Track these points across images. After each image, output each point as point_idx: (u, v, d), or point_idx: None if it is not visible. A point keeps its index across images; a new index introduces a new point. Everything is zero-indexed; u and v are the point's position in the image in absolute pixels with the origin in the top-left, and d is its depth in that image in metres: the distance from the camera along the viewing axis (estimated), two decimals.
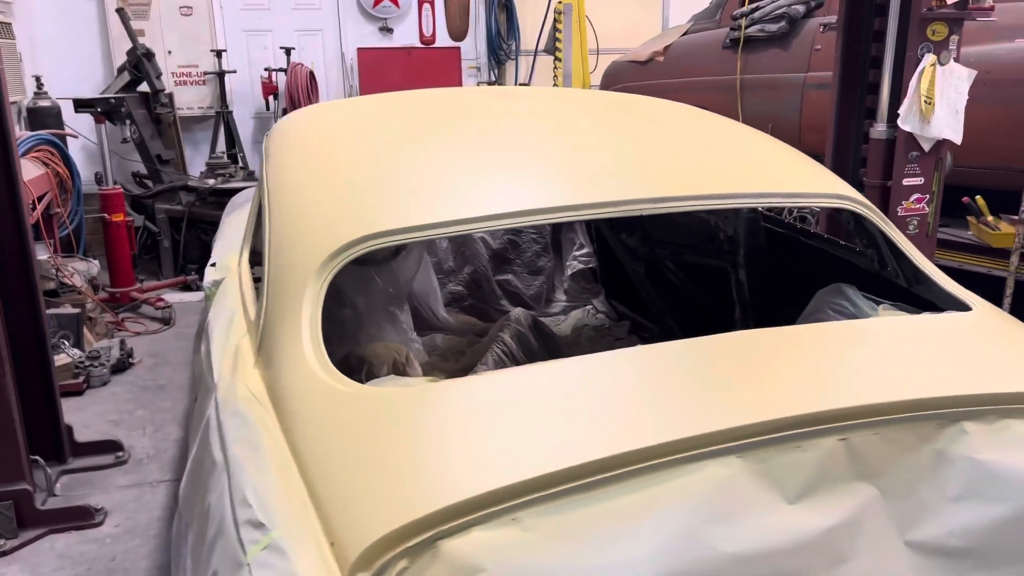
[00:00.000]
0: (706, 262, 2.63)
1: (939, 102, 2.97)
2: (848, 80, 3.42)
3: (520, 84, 7.68)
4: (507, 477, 0.98)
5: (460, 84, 7.39)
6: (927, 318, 1.53)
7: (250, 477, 1.13)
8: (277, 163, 1.86)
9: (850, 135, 3.48)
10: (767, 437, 1.04)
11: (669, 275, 2.87)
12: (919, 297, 1.77)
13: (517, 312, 2.70)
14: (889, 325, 1.51)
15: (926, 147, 3.09)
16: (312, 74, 6.84)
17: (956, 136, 3.07)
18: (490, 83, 7.64)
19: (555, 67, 6.53)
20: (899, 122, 3.05)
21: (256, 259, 2.31)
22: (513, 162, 1.72)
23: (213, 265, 2.27)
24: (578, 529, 0.95)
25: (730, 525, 0.98)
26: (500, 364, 2.34)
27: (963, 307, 1.57)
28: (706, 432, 1.03)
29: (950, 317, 1.53)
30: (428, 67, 7.20)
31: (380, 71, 7.09)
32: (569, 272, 3.69)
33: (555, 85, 6.68)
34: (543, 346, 2.57)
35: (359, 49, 7.14)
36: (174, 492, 2.88)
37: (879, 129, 3.25)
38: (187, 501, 1.42)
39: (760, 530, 0.99)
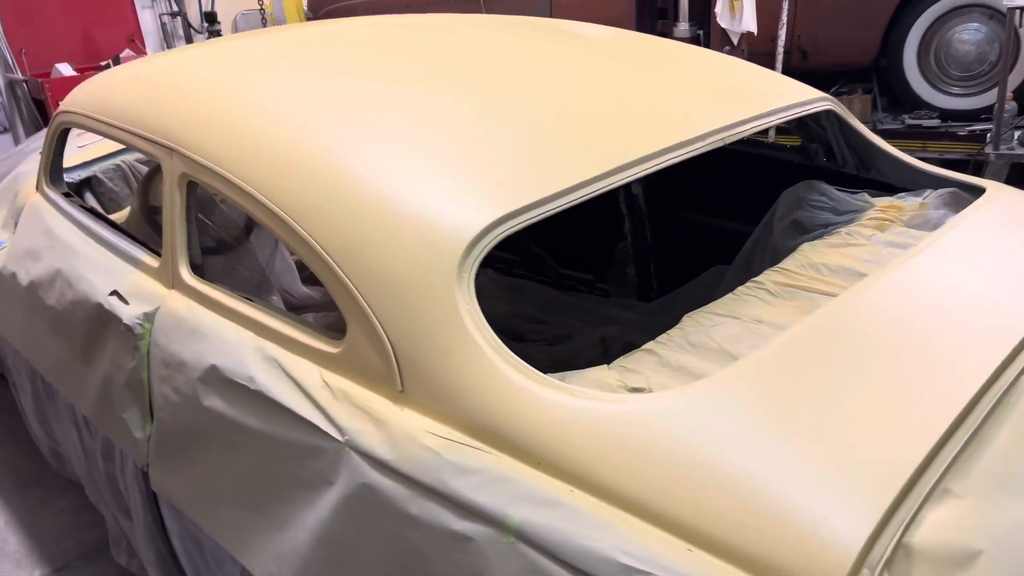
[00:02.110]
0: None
1: None
2: None
3: (209, 12, 6.75)
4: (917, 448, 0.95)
5: (135, 16, 6.29)
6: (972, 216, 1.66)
7: (619, 536, 0.93)
8: (283, 152, 1.46)
9: None
10: None
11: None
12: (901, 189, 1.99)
13: None
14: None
15: (735, 41, 3.40)
16: None
17: (754, 27, 3.42)
18: (173, 14, 6.59)
19: None
20: (717, 19, 3.30)
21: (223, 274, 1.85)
22: (584, 113, 1.56)
23: (117, 294, 1.73)
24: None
25: None
26: None
27: (975, 190, 1.79)
28: None
29: (989, 203, 1.70)
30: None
31: (30, 10, 5.73)
32: None
33: (262, 10, 6.02)
34: None
35: None
36: None
37: (682, 28, 3.49)
38: None
39: None
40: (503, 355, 1.16)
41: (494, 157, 1.41)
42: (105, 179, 2.74)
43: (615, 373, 1.27)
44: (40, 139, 3.52)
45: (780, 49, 3.97)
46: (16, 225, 2.50)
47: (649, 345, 1.35)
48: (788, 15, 3.98)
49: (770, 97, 1.83)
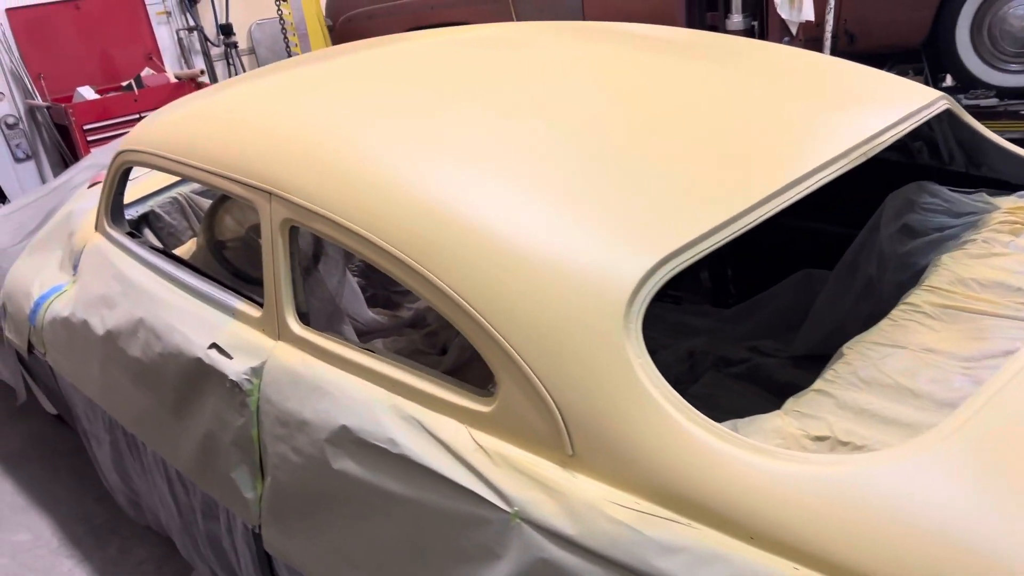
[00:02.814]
0: None
1: None
2: None
3: (224, 24, 6.67)
4: None
5: (152, 33, 6.21)
6: None
7: None
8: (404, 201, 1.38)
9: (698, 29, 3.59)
10: None
11: None
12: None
13: None
14: None
15: (794, 31, 3.30)
16: None
17: (812, 15, 3.32)
18: (190, 29, 6.52)
19: None
20: (777, 9, 3.20)
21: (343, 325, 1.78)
22: (719, 136, 1.47)
23: (216, 347, 1.65)
24: None
25: None
26: None
27: None
28: None
29: None
30: (106, 20, 5.90)
31: (45, 34, 5.66)
32: None
33: (281, 19, 5.93)
34: None
35: (8, 10, 5.58)
36: None
37: (736, 20, 3.39)
38: None
39: None
40: (686, 412, 1.08)
41: (639, 193, 1.32)
42: (163, 213, 2.67)
43: (792, 420, 1.18)
44: (80, 172, 3.45)
45: (828, 34, 3.86)
46: (75, 268, 2.43)
47: (818, 384, 1.27)
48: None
49: (895, 103, 1.73)
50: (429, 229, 1.31)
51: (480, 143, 1.47)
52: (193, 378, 1.70)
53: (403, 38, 2.31)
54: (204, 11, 6.68)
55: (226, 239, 2.44)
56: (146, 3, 6.14)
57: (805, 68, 1.87)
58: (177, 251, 2.57)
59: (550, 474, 1.12)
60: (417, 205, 1.34)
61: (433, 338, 2.82)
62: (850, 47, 4.37)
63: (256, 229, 2.52)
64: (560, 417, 1.12)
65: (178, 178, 2.78)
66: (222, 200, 2.46)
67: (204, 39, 6.64)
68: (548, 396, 1.13)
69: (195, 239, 2.68)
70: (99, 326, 2.06)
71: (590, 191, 1.32)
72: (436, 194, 1.35)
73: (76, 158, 5.51)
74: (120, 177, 2.24)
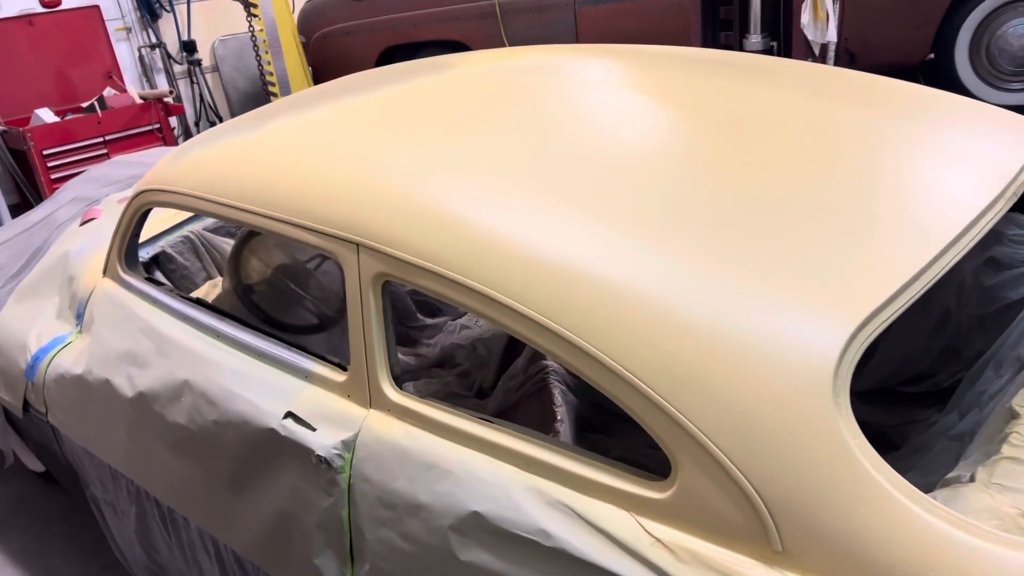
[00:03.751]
0: None
1: (827, 6, 3.14)
2: None
3: (187, 40, 6.39)
4: None
5: (111, 51, 5.90)
6: None
7: None
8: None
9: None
10: None
11: None
12: None
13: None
14: None
15: (817, 52, 3.26)
16: None
17: (835, 36, 3.29)
18: (152, 46, 6.22)
19: (250, 13, 5.54)
20: (803, 30, 3.15)
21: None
22: (873, 180, 1.36)
23: (293, 417, 1.48)
24: None
25: None
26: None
27: None
28: None
29: None
30: (63, 37, 5.59)
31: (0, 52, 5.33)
32: None
33: (252, 35, 5.71)
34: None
35: None
36: None
37: (754, 40, 3.34)
38: None
39: None
40: (917, 499, 0.96)
41: (815, 248, 1.20)
42: (175, 254, 2.46)
43: (1001, 496, 1.08)
44: (64, 206, 3.20)
45: (831, 53, 3.85)
46: (79, 317, 2.22)
47: (1006, 451, 1.17)
48: (836, 18, 3.87)
49: (1015, 136, 1.66)
50: (577, 291, 1.17)
51: (615, 191, 1.34)
52: (262, 451, 1.52)
53: (447, 64, 2.17)
54: (166, 27, 6.40)
55: (253, 282, 2.26)
56: (105, 19, 5.84)
57: (905, 97, 1.80)
58: (196, 294, 2.37)
59: (754, 573, 1.00)
60: (561, 265, 1.20)
61: (466, 379, 2.68)
62: (850, 65, 4.39)
63: (284, 270, 2.34)
64: (764, 507, 1.00)
65: (189, 215, 2.59)
66: (246, 239, 2.28)
67: (167, 56, 6.36)
68: (747, 483, 1.01)
69: (211, 282, 2.49)
70: (126, 387, 1.85)
71: (756, 244, 1.20)
72: (582, 251, 1.21)
73: (35, 186, 5.19)
74: (139, 219, 2.04)
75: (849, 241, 1.21)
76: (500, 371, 2.55)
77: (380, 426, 1.39)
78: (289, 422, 1.48)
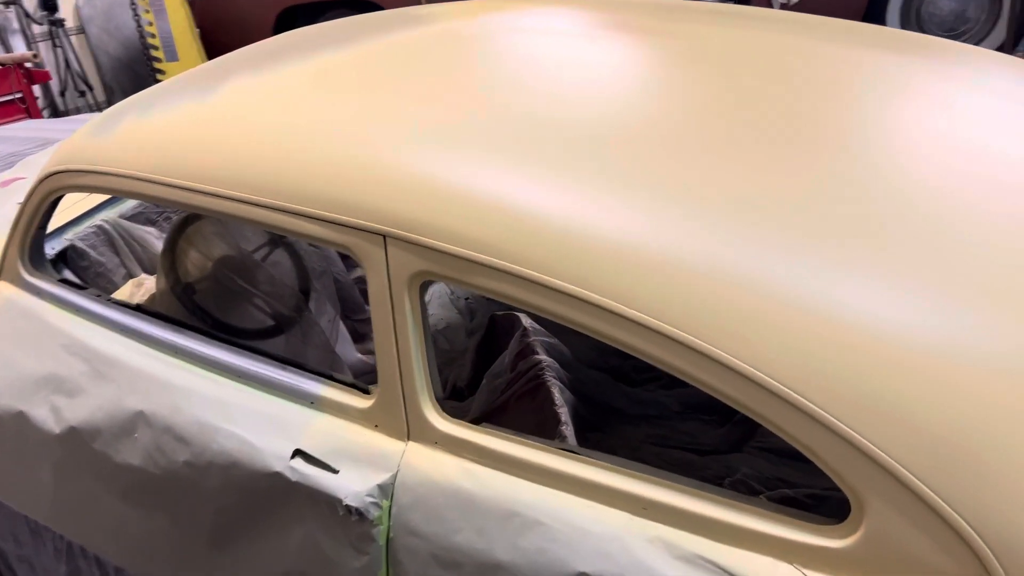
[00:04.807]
0: None
1: None
2: None
3: None
4: None
5: None
6: None
7: None
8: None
9: None
10: None
11: None
12: None
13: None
14: None
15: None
16: None
17: None
18: (6, 3, 5.43)
19: None
20: None
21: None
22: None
23: (304, 456, 1.18)
24: None
25: None
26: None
27: None
28: None
29: None
30: None
31: None
32: None
33: None
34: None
35: None
36: None
37: None
38: None
39: None
40: None
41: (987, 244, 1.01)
42: (86, 248, 2.05)
43: None
44: None
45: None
46: None
47: None
48: None
49: None
50: (702, 290, 0.94)
51: (707, 166, 1.11)
52: (261, 499, 1.22)
53: (420, 18, 1.86)
54: None
55: (194, 279, 1.89)
56: None
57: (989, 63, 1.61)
58: (118, 294, 1.98)
59: None
60: (676, 259, 0.97)
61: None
62: None
63: (228, 263, 1.99)
64: (994, 557, 0.81)
65: (98, 200, 2.17)
66: (181, 228, 1.91)
67: (24, 15, 5.60)
68: (969, 529, 0.82)
69: (135, 281, 2.10)
70: (50, 420, 1.49)
71: (928, 249, 0.99)
72: (697, 241, 0.98)
73: None
74: (47, 209, 1.65)
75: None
76: (477, 367, 2.30)
77: (427, 464, 1.12)
78: (299, 463, 1.18)
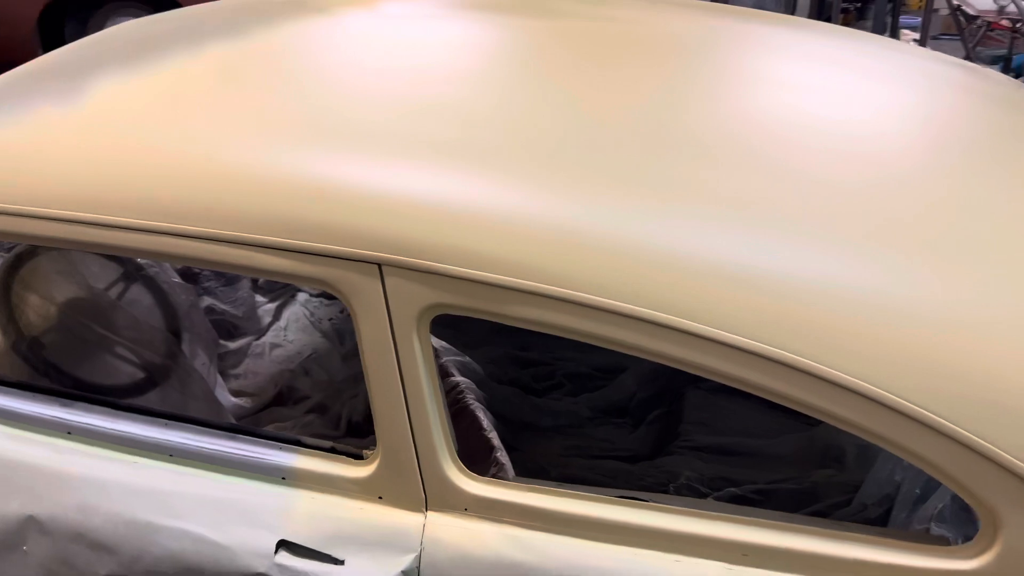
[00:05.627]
0: None
1: None
2: None
3: None
4: None
5: None
6: None
7: None
8: None
9: None
10: None
11: None
12: None
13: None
14: None
15: None
16: None
17: None
18: None
19: None
20: None
21: None
22: None
23: (290, 547, 0.94)
24: None
25: None
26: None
27: None
28: None
29: None
30: None
31: None
32: None
33: None
34: None
35: None
36: None
37: None
38: None
39: None
40: None
41: None
42: None
43: None
44: None
45: None
46: None
47: None
48: None
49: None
50: (793, 304, 0.84)
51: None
52: None
53: (304, 5, 1.61)
54: None
55: (40, 332, 1.52)
56: None
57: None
58: None
59: None
60: (760, 272, 0.86)
61: (325, 415, 2.17)
62: None
63: (77, 305, 1.62)
64: None
65: None
66: (12, 269, 1.53)
67: None
68: None
69: None
70: None
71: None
72: (775, 249, 0.88)
73: None
74: None
75: None
76: None
77: (458, 536, 0.93)
78: (287, 557, 0.94)
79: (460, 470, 0.95)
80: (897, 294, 0.84)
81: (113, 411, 1.09)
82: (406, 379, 0.93)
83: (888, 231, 0.92)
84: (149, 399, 1.61)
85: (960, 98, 1.37)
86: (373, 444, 0.98)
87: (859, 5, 5.39)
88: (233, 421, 1.12)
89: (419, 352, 0.93)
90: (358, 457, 0.99)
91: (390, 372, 0.93)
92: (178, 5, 4.30)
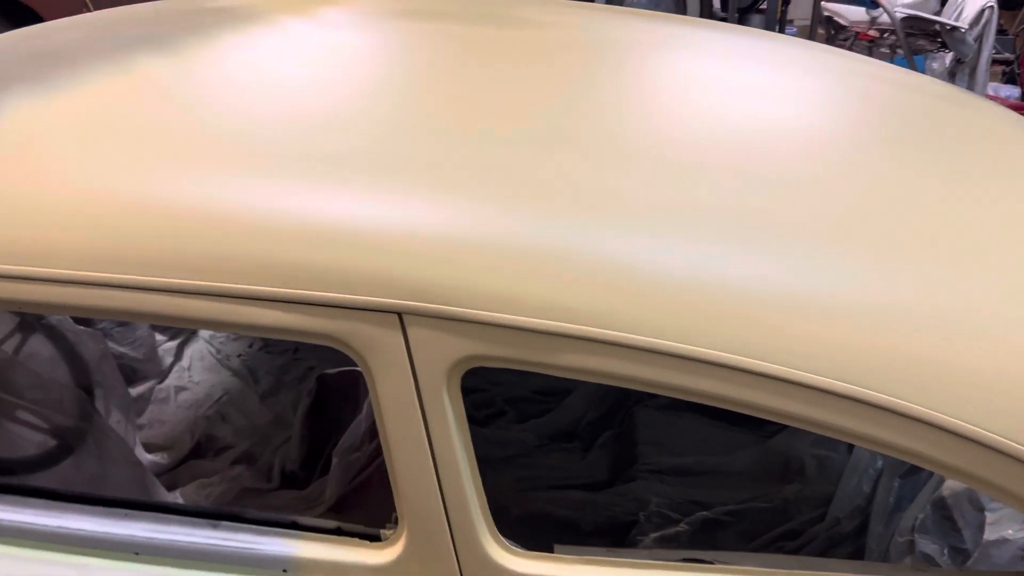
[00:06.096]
0: None
1: None
2: None
3: None
4: None
5: None
6: None
7: None
8: None
9: None
10: None
11: None
12: None
13: None
14: None
15: None
16: None
17: None
18: None
19: None
20: None
21: None
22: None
23: None
24: None
25: None
26: None
27: None
28: None
29: None
30: None
31: None
32: None
33: None
34: None
35: None
36: None
37: None
38: None
39: None
40: None
41: None
42: None
43: None
44: None
45: None
46: None
47: None
48: None
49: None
50: (876, 337, 0.77)
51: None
52: None
53: (239, 13, 1.43)
54: None
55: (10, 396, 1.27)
56: None
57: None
58: None
59: None
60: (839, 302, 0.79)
61: (253, 464, 1.99)
62: None
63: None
64: None
65: None
66: None
67: None
68: None
69: None
70: None
71: None
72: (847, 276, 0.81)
73: None
74: None
75: None
76: (311, 443, 1.93)
77: None
78: None
79: (501, 546, 0.83)
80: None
81: (51, 501, 0.89)
82: (435, 444, 0.80)
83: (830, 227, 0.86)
84: (62, 469, 1.38)
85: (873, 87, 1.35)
86: (391, 522, 0.84)
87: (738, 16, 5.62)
88: (206, 505, 0.94)
89: (451, 411, 0.80)
90: (374, 538, 0.85)
91: (416, 437, 0.80)
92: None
